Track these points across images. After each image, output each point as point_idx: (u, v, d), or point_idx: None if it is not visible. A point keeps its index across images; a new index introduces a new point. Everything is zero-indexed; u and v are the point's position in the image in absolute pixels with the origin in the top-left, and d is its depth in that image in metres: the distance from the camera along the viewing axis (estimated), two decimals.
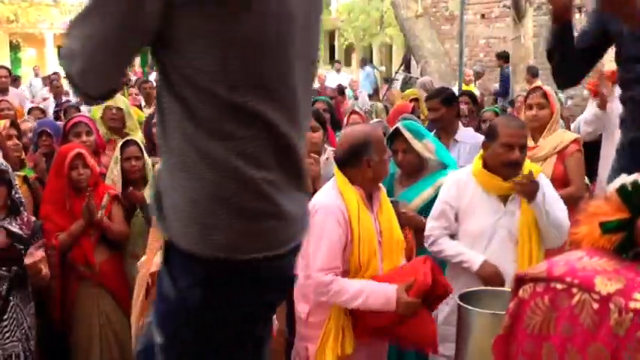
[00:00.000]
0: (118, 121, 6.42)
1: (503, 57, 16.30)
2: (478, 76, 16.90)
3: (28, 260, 4.30)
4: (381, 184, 4.02)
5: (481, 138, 5.26)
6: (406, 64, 23.52)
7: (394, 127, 5.01)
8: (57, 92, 12.28)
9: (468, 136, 5.74)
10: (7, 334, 4.31)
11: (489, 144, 4.11)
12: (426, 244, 4.21)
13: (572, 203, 4.96)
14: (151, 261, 3.51)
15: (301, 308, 3.88)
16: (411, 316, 3.65)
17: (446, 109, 5.75)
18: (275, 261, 2.01)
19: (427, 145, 4.72)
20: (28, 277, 4.45)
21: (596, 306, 1.41)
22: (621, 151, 3.81)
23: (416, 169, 4.76)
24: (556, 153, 5.19)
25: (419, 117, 7.46)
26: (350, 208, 3.74)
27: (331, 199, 3.79)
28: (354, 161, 3.83)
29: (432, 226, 4.22)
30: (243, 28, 1.82)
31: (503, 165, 4.03)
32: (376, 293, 3.65)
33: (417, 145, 4.67)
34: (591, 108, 5.90)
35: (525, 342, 1.53)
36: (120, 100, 6.47)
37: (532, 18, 15.27)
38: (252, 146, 1.90)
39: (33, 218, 4.56)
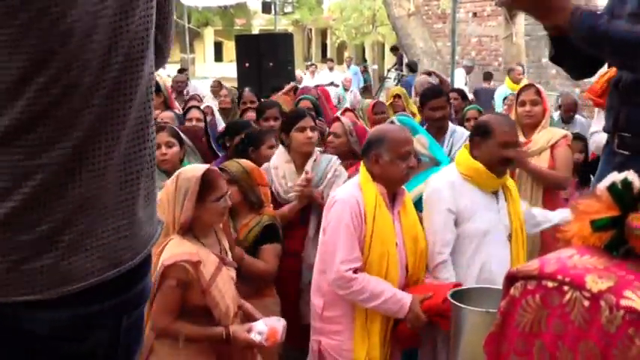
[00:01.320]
0: None
1: (410, 66, 16.54)
2: (469, 70, 17.04)
3: None
4: (404, 188, 4.01)
5: None
6: (399, 63, 23.56)
7: (388, 120, 5.05)
8: None
9: (459, 134, 5.77)
10: None
11: (482, 142, 4.09)
12: (433, 266, 4.05)
13: (556, 187, 5.28)
14: (154, 264, 3.53)
15: (316, 302, 3.89)
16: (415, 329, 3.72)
17: (448, 108, 5.90)
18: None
19: (420, 140, 4.72)
20: None
21: (587, 304, 1.41)
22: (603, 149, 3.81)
23: None
24: (549, 147, 5.22)
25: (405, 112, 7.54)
26: (367, 203, 3.75)
27: (350, 192, 3.82)
28: (366, 154, 3.89)
29: (442, 251, 4.04)
30: None
31: (500, 163, 4.06)
32: (393, 299, 3.68)
33: None
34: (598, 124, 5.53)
35: (516, 340, 1.54)
36: None
37: (524, 16, 15.30)
38: None
39: None
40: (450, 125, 5.88)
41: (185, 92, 11.95)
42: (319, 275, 3.89)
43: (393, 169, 3.82)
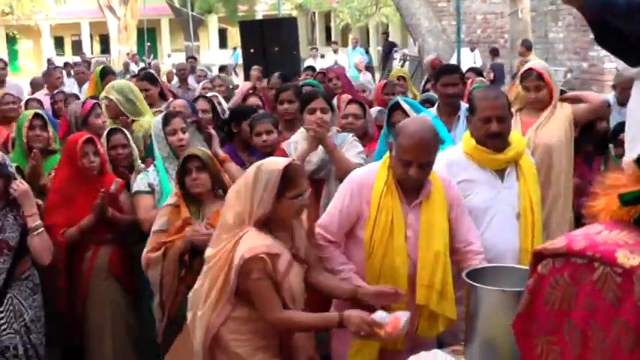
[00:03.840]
0: (113, 111, 6.32)
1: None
2: (473, 47, 17.12)
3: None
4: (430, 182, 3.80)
5: None
6: (388, 48, 23.51)
7: (393, 100, 5.11)
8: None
9: None
10: (4, 326, 4.33)
11: (471, 118, 4.14)
12: None
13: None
14: (228, 252, 3.41)
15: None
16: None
17: (462, 85, 5.85)
18: None
19: None
20: (33, 270, 4.50)
21: (619, 280, 1.37)
22: None
23: None
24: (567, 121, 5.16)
25: (406, 95, 7.54)
26: (375, 188, 3.70)
27: (364, 173, 3.80)
28: (390, 140, 3.82)
29: None
30: None
31: (486, 137, 4.02)
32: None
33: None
34: None
35: (546, 319, 1.50)
36: (111, 91, 6.38)
37: None
38: None
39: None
40: (462, 104, 5.86)
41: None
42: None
43: (395, 167, 3.71)
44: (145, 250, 4.35)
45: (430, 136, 3.65)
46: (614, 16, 3.24)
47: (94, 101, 5.96)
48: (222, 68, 17.39)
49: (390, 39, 30.82)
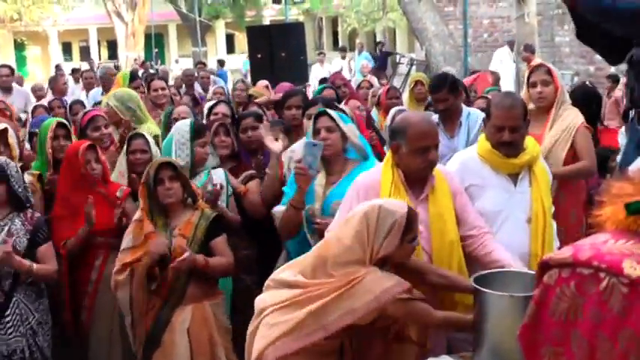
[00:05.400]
0: (111, 118, 6.29)
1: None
2: (512, 45, 16.89)
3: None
4: (434, 176, 3.85)
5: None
6: (383, 57, 23.50)
7: (319, 109, 4.79)
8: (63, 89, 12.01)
9: (473, 117, 5.71)
10: (11, 330, 4.35)
11: (486, 123, 4.14)
12: None
13: (585, 177, 5.23)
14: (337, 287, 3.28)
15: None
16: None
17: (454, 97, 5.77)
18: None
19: (352, 129, 4.46)
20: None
21: (625, 290, 1.37)
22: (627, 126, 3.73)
23: (338, 152, 4.40)
24: (569, 133, 5.13)
25: (426, 99, 7.50)
26: (382, 188, 3.73)
27: (369, 175, 3.85)
28: (390, 141, 3.87)
29: None
30: None
31: (498, 145, 4.02)
32: None
33: (342, 125, 4.41)
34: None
35: (552, 330, 1.49)
36: (111, 97, 6.41)
37: None
38: None
39: (37, 214, 4.53)
40: (465, 108, 5.84)
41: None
42: None
43: (411, 161, 3.76)
44: (114, 271, 4.34)
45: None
46: (605, 22, 3.25)
47: (95, 113, 5.92)
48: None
49: (397, 44, 30.84)
